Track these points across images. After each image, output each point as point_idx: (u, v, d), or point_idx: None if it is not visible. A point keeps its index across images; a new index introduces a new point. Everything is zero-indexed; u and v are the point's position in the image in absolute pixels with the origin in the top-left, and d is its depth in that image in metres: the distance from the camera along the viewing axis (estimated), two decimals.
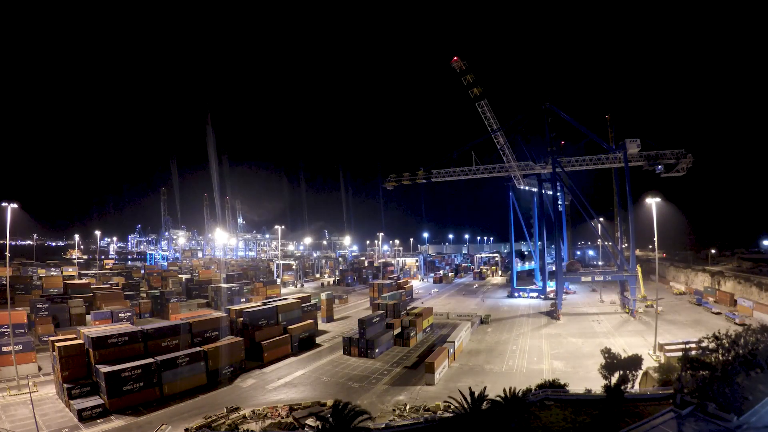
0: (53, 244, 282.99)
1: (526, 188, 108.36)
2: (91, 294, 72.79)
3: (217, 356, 43.86)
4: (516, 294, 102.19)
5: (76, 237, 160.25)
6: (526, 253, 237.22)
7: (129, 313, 63.63)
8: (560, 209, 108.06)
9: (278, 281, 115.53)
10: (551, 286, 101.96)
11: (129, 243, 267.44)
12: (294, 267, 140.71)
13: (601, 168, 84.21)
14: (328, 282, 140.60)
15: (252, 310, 55.21)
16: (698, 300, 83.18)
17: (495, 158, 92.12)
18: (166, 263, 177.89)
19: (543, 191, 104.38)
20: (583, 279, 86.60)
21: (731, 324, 59.10)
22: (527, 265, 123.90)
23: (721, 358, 26.29)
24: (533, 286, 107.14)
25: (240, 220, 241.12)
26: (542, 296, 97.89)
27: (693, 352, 31.06)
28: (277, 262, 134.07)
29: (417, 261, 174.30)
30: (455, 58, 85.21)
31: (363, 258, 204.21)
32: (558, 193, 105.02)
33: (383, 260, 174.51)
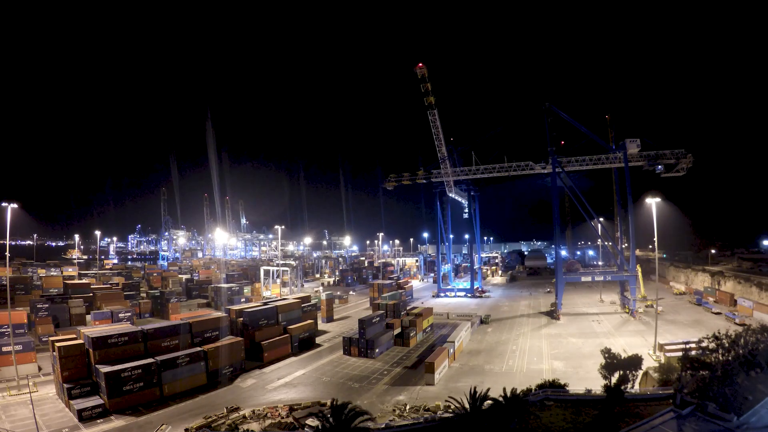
0: (53, 244, 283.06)
1: (456, 197, 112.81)
2: (91, 294, 72.76)
3: (217, 356, 43.88)
4: (442, 294, 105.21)
5: (76, 237, 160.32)
6: (526, 253, 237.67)
7: (129, 313, 63.61)
8: (465, 216, 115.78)
9: (278, 281, 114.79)
10: (477, 284, 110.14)
11: (129, 243, 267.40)
12: (290, 272, 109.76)
13: (602, 168, 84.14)
14: (328, 282, 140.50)
15: (252, 310, 55.18)
16: (698, 300, 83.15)
17: (495, 158, 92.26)
18: (165, 263, 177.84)
19: (472, 197, 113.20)
20: (583, 279, 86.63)
21: (731, 324, 59.12)
22: (447, 267, 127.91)
23: (721, 358, 26.25)
24: (463, 285, 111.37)
25: (243, 221, 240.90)
26: (469, 294, 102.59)
27: (693, 352, 31.05)
28: (272, 268, 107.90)
29: (417, 261, 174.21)
30: (420, 64, 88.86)
31: (363, 258, 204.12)
32: (465, 201, 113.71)
33: (383, 260, 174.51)
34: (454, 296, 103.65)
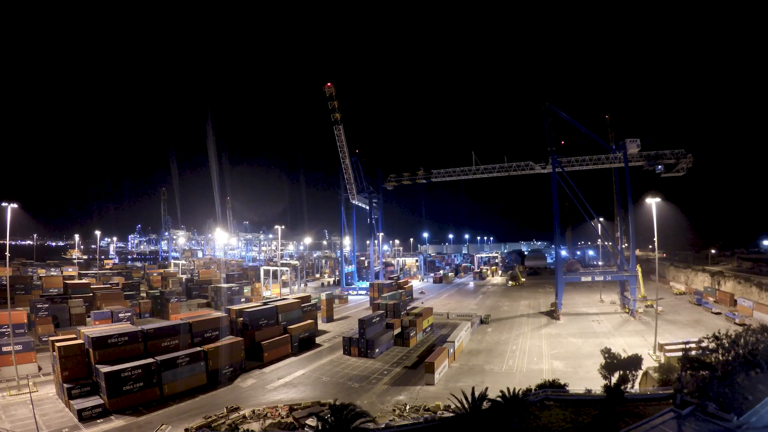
0: (53, 244, 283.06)
1: (360, 204, 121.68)
2: (91, 294, 72.72)
3: (217, 356, 43.86)
4: (345, 292, 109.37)
5: (76, 237, 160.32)
6: (526, 252, 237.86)
7: (129, 313, 63.58)
8: (370, 222, 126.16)
9: (282, 280, 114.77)
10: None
11: (129, 243, 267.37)
12: (289, 272, 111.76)
13: (602, 168, 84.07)
14: (328, 282, 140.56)
15: (252, 310, 55.17)
16: (698, 300, 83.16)
17: (495, 158, 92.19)
18: (174, 258, 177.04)
19: (372, 204, 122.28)
20: (583, 279, 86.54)
21: (731, 324, 59.14)
22: (351, 267, 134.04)
23: (721, 358, 26.28)
24: (363, 284, 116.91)
25: (241, 225, 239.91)
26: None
27: (693, 352, 31.05)
28: (272, 268, 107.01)
29: (417, 261, 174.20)
30: (328, 84, 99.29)
31: (363, 258, 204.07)
32: (371, 208, 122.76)
33: (383, 260, 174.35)
34: (356, 294, 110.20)
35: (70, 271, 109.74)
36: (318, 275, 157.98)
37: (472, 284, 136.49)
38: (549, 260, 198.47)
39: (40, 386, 40.58)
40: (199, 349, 43.05)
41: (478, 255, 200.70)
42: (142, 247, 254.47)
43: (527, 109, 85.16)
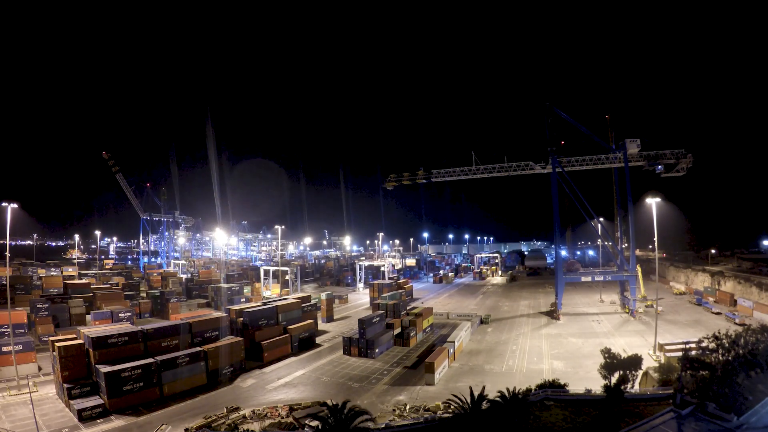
0: (53, 244, 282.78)
1: (146, 218, 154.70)
2: (91, 294, 72.73)
3: (217, 356, 43.88)
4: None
5: (76, 237, 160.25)
6: (526, 253, 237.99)
7: (129, 313, 63.55)
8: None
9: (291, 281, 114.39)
10: None
11: (150, 244, 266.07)
12: (288, 275, 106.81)
13: (602, 168, 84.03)
14: (328, 282, 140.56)
15: (252, 310, 55.19)
16: (698, 300, 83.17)
17: (495, 158, 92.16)
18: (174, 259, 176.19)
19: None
20: (583, 279, 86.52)
21: (731, 324, 59.11)
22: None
23: (721, 358, 26.30)
24: None
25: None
26: None
27: (693, 352, 31.10)
28: (272, 268, 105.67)
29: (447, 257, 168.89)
30: (104, 152, 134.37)
31: (363, 258, 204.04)
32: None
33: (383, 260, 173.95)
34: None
35: (70, 271, 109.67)
36: (318, 275, 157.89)
37: (472, 284, 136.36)
38: (549, 260, 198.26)
39: (40, 386, 40.59)
40: (199, 349, 43.07)
41: (478, 255, 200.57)
42: (142, 246, 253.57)
43: (527, 109, 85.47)
